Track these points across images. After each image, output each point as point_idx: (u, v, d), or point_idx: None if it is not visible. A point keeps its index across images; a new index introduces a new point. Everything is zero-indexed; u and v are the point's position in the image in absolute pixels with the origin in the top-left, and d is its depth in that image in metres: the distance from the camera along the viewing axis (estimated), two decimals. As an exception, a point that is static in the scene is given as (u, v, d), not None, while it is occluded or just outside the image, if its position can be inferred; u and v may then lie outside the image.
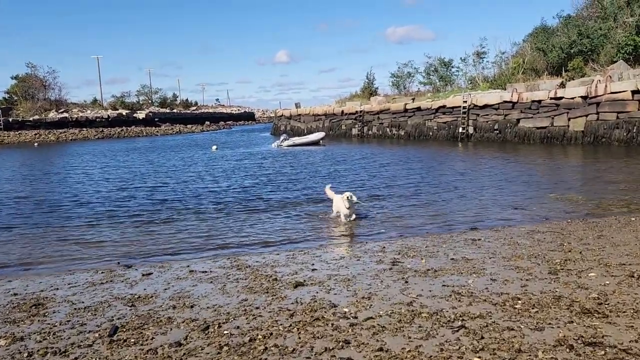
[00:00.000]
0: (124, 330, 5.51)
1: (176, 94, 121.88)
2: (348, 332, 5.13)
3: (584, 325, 4.94)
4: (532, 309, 5.50)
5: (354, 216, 11.67)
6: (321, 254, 8.99)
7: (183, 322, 5.68)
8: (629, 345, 4.40)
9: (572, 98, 30.31)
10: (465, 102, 36.46)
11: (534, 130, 32.41)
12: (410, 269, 7.54)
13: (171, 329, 5.48)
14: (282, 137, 42.99)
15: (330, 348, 4.74)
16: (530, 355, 4.34)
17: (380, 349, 4.64)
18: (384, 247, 9.27)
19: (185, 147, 45.94)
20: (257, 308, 6.04)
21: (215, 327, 5.43)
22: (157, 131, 74.15)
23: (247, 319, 5.68)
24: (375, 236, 10.42)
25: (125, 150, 43.19)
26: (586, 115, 29.84)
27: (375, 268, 7.75)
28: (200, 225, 12.14)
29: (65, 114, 71.30)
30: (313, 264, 8.19)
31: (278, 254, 9.26)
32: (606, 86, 28.63)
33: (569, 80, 32.56)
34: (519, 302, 5.76)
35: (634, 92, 27.44)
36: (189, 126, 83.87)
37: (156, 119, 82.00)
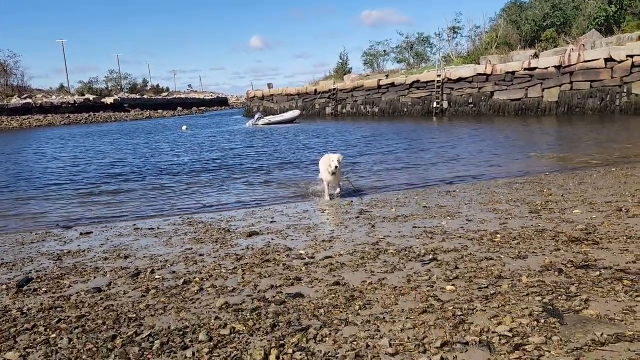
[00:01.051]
0: (39, 281, 4.65)
1: (147, 80, 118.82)
2: (301, 270, 4.37)
3: (573, 252, 4.27)
4: (513, 241, 4.82)
5: (338, 190, 9.20)
6: (283, 210, 8.20)
7: (111, 271, 4.85)
8: (627, 266, 3.74)
9: (546, 68, 29.92)
10: (440, 76, 35.83)
11: (509, 102, 31.99)
12: (378, 216, 6.82)
13: (95, 278, 4.64)
14: (257, 116, 41.75)
15: (278, 285, 3.97)
16: (512, 281, 3.64)
17: (337, 284, 3.89)
18: (352, 201, 8.53)
19: (154, 130, 44.46)
20: (200, 255, 5.24)
21: (147, 274, 4.61)
22: (127, 116, 71.92)
23: (186, 265, 4.88)
24: (347, 197, 9.67)
25: (89, 134, 41.57)
26: (560, 86, 29.50)
27: (340, 217, 7.01)
28: (158, 195, 11.22)
29: (29, 100, 68.56)
30: (273, 218, 7.41)
31: (236, 211, 8.45)
32: (579, 55, 28.29)
33: (543, 51, 32.19)
34: (498, 236, 5.07)
35: (607, 60, 27.13)
36: (160, 111, 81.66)
37: (125, 105, 79.55)
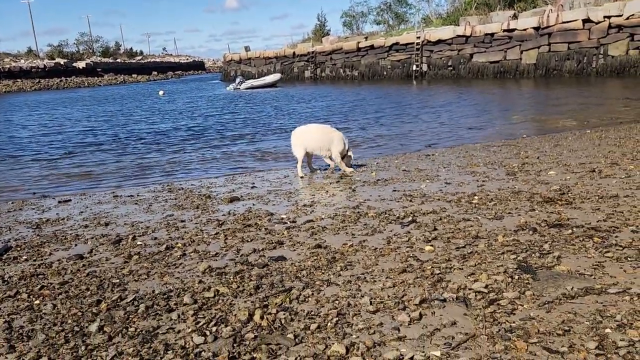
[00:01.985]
0: (18, 249, 4.62)
1: (119, 43, 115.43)
2: (283, 234, 4.43)
3: (547, 212, 4.40)
4: (490, 202, 4.93)
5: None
6: (264, 175, 8.21)
7: (92, 238, 4.84)
8: (597, 225, 3.88)
9: (525, 30, 29.91)
10: (419, 38, 35.59)
11: (487, 65, 32.05)
12: (359, 180, 6.88)
13: (76, 245, 4.63)
14: (238, 80, 40.98)
15: (260, 249, 4.03)
16: (489, 240, 3.75)
17: (318, 246, 3.96)
18: (329, 165, 8.56)
19: (128, 96, 43.45)
20: (182, 221, 5.25)
21: (129, 240, 4.62)
22: (100, 81, 70.06)
23: (168, 231, 4.89)
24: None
25: (61, 100, 40.46)
26: (538, 47, 29.59)
27: (321, 182, 7.06)
28: (137, 162, 11.10)
29: (-3, 65, 66.25)
30: (253, 183, 7.41)
31: (217, 178, 8.43)
32: (558, 16, 28.31)
33: (522, 12, 32.10)
34: (476, 197, 5.18)
35: (584, 21, 27.23)
36: (134, 76, 79.64)
37: (98, 69, 77.47)
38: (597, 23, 26.84)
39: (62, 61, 74.17)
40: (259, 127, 15.32)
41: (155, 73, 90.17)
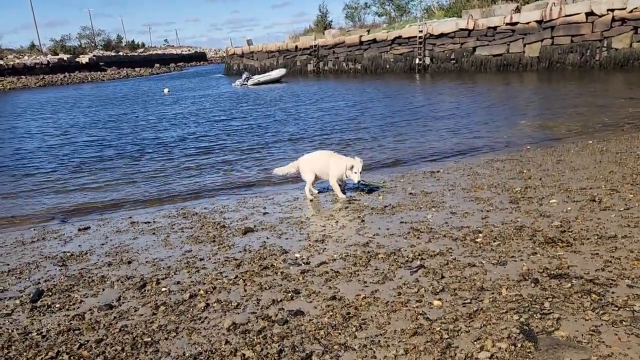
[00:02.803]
0: (50, 294, 4.91)
1: (121, 35, 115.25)
2: (299, 280, 4.69)
3: (548, 256, 4.65)
4: (494, 242, 5.18)
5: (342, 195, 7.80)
6: (274, 197, 8.47)
7: (117, 280, 5.12)
8: (595, 275, 4.13)
9: (527, 23, 29.91)
10: (421, 31, 35.58)
11: (490, 58, 32.09)
12: (366, 207, 7.13)
13: (103, 290, 4.92)
14: (244, 76, 41.02)
15: (279, 300, 4.29)
16: (493, 293, 4.01)
17: (334, 297, 4.23)
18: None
19: (133, 96, 43.61)
20: (201, 260, 5.53)
21: (153, 285, 4.90)
22: (103, 76, 70.29)
23: (189, 272, 5.16)
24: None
25: (66, 100, 40.67)
26: (541, 40, 29.62)
27: (330, 208, 7.32)
28: (153, 179, 11.38)
29: (0, 62, 66.42)
30: (265, 208, 7.68)
31: (228, 199, 8.70)
32: (561, 9, 28.28)
33: (524, 5, 32.02)
34: (480, 235, 5.43)
35: (588, 14, 27.22)
36: (137, 69, 79.83)
37: (101, 63, 77.66)
38: (600, 16, 26.80)
39: (65, 56, 74.32)
40: (267, 137, 15.52)
41: (158, 65, 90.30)
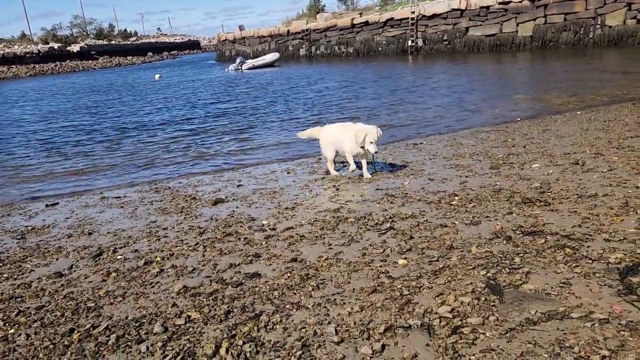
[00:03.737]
0: (1, 265, 4.64)
1: (113, 24, 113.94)
2: (261, 245, 4.44)
3: (525, 215, 4.40)
4: (470, 204, 4.93)
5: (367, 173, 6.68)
6: (251, 170, 8.20)
7: (74, 250, 4.86)
8: (572, 231, 3.88)
9: (520, 1, 29.46)
10: (413, 12, 35.08)
11: (483, 38, 31.68)
12: (344, 176, 6.86)
13: (57, 260, 4.65)
14: (238, 60, 40.53)
15: (237, 264, 4.04)
16: (462, 251, 3.76)
17: (295, 260, 3.98)
18: (320, 158, 8.54)
19: (123, 81, 43.09)
20: (164, 229, 5.27)
21: (109, 253, 4.64)
22: (95, 64, 69.48)
23: (149, 241, 4.90)
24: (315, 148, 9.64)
25: (52, 91, 40.19)
26: (534, 19, 29.20)
27: (306, 179, 7.04)
28: (130, 159, 11.08)
29: (-10, 51, 65.59)
30: (240, 180, 7.41)
31: (204, 174, 8.43)
32: (554, -13, 27.84)
33: (517, -17, 31.51)
34: (456, 198, 5.18)
35: (581, -8, 26.80)
36: (129, 58, 78.93)
37: (93, 52, 76.72)
38: (594, -7, 26.40)
39: (56, 45, 73.41)
40: (254, 118, 15.19)
41: (151, 54, 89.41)
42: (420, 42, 35.46)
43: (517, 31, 30.07)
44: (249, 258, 4.13)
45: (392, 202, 5.33)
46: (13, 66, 63.72)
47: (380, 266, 3.67)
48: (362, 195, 5.76)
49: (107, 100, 24.06)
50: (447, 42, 33.86)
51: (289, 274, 3.70)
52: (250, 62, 40.06)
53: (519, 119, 10.48)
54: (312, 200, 5.81)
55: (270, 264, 3.97)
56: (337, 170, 7.07)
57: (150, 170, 9.17)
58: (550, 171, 5.80)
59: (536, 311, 2.75)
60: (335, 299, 3.21)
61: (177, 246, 4.65)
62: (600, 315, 2.64)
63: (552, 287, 3.02)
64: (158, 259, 4.35)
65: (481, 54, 31.04)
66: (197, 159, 9.80)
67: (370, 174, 6.66)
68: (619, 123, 8.30)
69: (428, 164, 7.04)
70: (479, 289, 3.10)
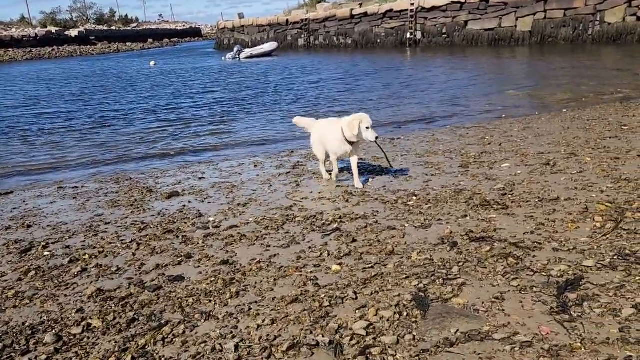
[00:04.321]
0: None
1: (114, 9, 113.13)
2: (197, 244, 4.17)
3: (479, 219, 4.12)
4: (426, 205, 4.65)
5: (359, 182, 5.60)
6: (219, 163, 7.91)
7: (4, 244, 4.58)
8: (522, 238, 3.60)
9: (520, -5, 28.99)
10: (413, 4, 34.60)
11: (482, 32, 31.23)
12: (310, 171, 6.59)
13: (-17, 255, 4.37)
14: (236, 49, 40.11)
15: (164, 265, 3.77)
16: (402, 258, 3.49)
17: (225, 262, 3.71)
18: (293, 150, 8.27)
19: (115, 72, 42.69)
20: (106, 224, 4.99)
21: (39, 249, 4.37)
22: (93, 50, 68.99)
23: (85, 236, 4.63)
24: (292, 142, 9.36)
25: (39, 76, 39.78)
26: (534, 14, 28.75)
27: (271, 173, 6.76)
28: (102, 149, 10.80)
29: (-12, 34, 65.12)
30: (204, 173, 7.14)
31: (171, 165, 8.16)
32: (554, -19, 27.36)
33: (518, -23, 31.03)
34: (414, 198, 4.90)
35: (581, -13, 26.34)
36: (128, 44, 78.37)
37: (92, 37, 76.18)
38: (594, -12, 25.96)
39: (53, 29, 72.90)
40: (239, 109, 14.87)
41: (151, 41, 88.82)
42: (419, 35, 35.02)
43: (516, 26, 29.63)
44: (179, 259, 3.87)
45: (347, 201, 5.06)
46: (10, 50, 63.27)
47: (311, 272, 3.40)
48: (320, 193, 5.49)
49: (95, 87, 23.70)
50: (445, 36, 33.42)
51: (213, 279, 3.43)
52: (247, 51, 39.70)
53: (503, 115, 10.18)
54: (268, 197, 5.53)
55: (199, 266, 3.70)
56: (330, 172, 6.03)
57: (119, 161, 8.88)
58: (519, 171, 5.51)
59: (457, 330, 2.47)
60: (251, 309, 2.94)
61: (111, 243, 4.38)
62: (524, 337, 2.37)
63: (482, 303, 2.74)
64: (86, 257, 4.08)
65: (480, 48, 30.60)
66: (168, 150, 9.51)
67: (362, 183, 5.60)
68: (602, 122, 8.00)
69: (398, 160, 6.76)
70: (405, 302, 2.82)
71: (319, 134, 5.91)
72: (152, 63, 39.14)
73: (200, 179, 6.78)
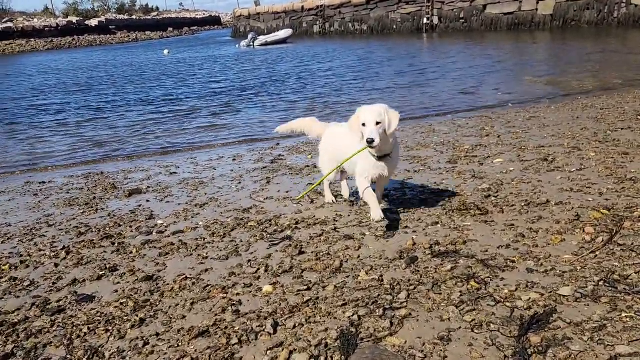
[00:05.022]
0: None
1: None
2: (130, 254, 3.69)
3: (451, 227, 3.53)
4: (396, 208, 4.07)
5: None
6: (198, 155, 7.45)
7: None
8: (494, 254, 3.02)
9: (542, -23, 27.73)
10: (430, -12, 33.51)
11: (501, 16, 30.05)
12: (286, 166, 6.06)
13: None
14: (250, 36, 39.72)
15: (82, 280, 3.30)
16: (348, 276, 2.94)
17: (149, 278, 3.22)
18: (279, 143, 7.74)
19: (130, 58, 42.54)
20: (50, 226, 4.57)
21: (-40, 257, 3.93)
22: (112, 39, 69.21)
23: (20, 241, 4.21)
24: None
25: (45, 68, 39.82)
26: (556, -4, 27.49)
27: (246, 168, 6.25)
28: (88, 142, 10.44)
29: (10, 24, 65.78)
30: (178, 167, 6.68)
31: (150, 157, 7.73)
32: (578, -39, 26.05)
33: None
34: (385, 201, 4.32)
35: (607, -33, 25.01)
36: (147, 33, 78.41)
37: (112, 27, 76.45)
38: (620, -32, 24.64)
39: (74, 19, 73.40)
40: (241, 99, 14.36)
41: (171, 29, 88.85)
42: (435, 20, 33.95)
43: (536, 9, 28.39)
44: (102, 272, 3.38)
45: (313, 202, 4.51)
46: (32, 40, 63.87)
47: (238, 294, 2.87)
48: (287, 192, 4.95)
49: (101, 77, 23.44)
50: (463, 20, 32.30)
51: (126, 300, 2.94)
52: (262, 39, 39.21)
53: (510, 104, 9.46)
54: (232, 195, 5.02)
55: (118, 282, 3.21)
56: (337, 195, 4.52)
57: (98, 155, 8.47)
58: (511, 168, 4.88)
59: (379, 387, 1.93)
60: (146, 345, 2.43)
61: (41, 250, 3.93)
62: (459, 403, 1.81)
63: (423, 344, 2.18)
64: (6, 267, 3.63)
65: (499, 32, 29.46)
66: (151, 142, 9.09)
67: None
68: (616, 111, 7.26)
69: (384, 154, 6.15)
70: (329, 341, 2.28)
71: (330, 141, 4.18)
72: (165, 52, 38.92)
73: (171, 174, 6.32)
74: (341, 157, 3.89)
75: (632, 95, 8.62)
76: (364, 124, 3.40)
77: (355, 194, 4.23)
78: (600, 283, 2.52)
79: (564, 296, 2.44)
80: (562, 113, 7.69)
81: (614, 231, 3.09)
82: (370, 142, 3.30)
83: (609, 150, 5.09)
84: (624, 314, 2.22)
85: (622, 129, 6.06)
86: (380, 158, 3.57)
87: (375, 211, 3.49)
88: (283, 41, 38.77)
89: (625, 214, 3.36)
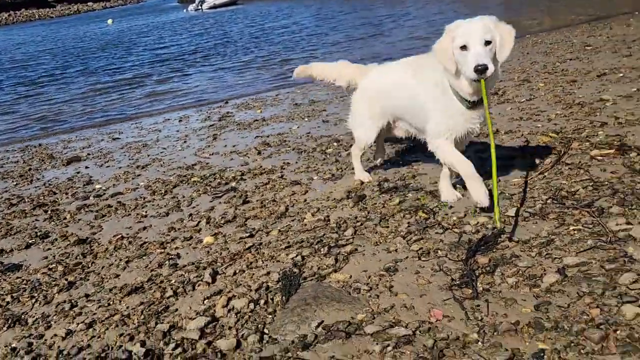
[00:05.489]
0: None
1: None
2: (64, 219, 3.46)
3: (399, 164, 3.40)
4: (345, 151, 3.93)
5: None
6: (143, 120, 7.12)
7: None
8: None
9: None
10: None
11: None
12: (235, 122, 5.82)
13: None
14: (197, 0, 38.41)
15: (9, 250, 3.07)
16: (293, 220, 2.80)
17: (81, 241, 3.01)
18: (227, 101, 7.44)
19: (72, 30, 40.50)
20: (-22, 200, 4.22)
21: None
22: (52, 12, 65.64)
23: (-59, 218, 3.86)
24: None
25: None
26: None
27: (193, 127, 5.98)
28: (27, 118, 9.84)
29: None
30: (121, 132, 6.36)
31: (92, 127, 7.33)
32: None
33: None
34: (335, 144, 4.18)
35: None
36: (89, 4, 74.64)
37: (50, 0, 72.43)
38: None
39: (7, -7, 68.98)
40: (185, 64, 13.77)
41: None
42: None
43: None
44: (32, 240, 3.15)
45: (260, 153, 4.32)
46: (-36, 18, 59.97)
47: (177, 247, 2.70)
48: (234, 146, 4.73)
49: (39, 52, 22.18)
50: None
51: (55, 265, 2.72)
52: (210, 1, 37.90)
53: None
54: (176, 155, 4.78)
55: (49, 249, 2.98)
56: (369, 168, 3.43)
57: (38, 127, 7.99)
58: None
59: (321, 323, 1.80)
60: (74, 307, 2.25)
61: (-34, 225, 3.63)
62: (404, 329, 1.70)
63: (369, 277, 2.07)
64: None
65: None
66: (94, 112, 8.62)
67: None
68: (564, 45, 7.23)
69: (334, 102, 5.99)
70: (270, 284, 2.14)
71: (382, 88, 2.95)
72: (109, 21, 37.25)
73: (114, 139, 6.00)
74: (401, 109, 2.80)
75: (580, 30, 8.61)
76: (463, 47, 2.24)
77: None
78: (549, 201, 2.44)
79: (512, 217, 2.35)
80: (512, 50, 7.60)
81: (562, 152, 3.02)
82: (481, 69, 2.16)
83: (558, 80, 5.04)
84: (571, 227, 2.15)
85: (570, 59, 6.02)
86: (473, 105, 2.43)
87: (479, 191, 2.33)
88: (233, 2, 37.60)
89: (573, 136, 3.30)
